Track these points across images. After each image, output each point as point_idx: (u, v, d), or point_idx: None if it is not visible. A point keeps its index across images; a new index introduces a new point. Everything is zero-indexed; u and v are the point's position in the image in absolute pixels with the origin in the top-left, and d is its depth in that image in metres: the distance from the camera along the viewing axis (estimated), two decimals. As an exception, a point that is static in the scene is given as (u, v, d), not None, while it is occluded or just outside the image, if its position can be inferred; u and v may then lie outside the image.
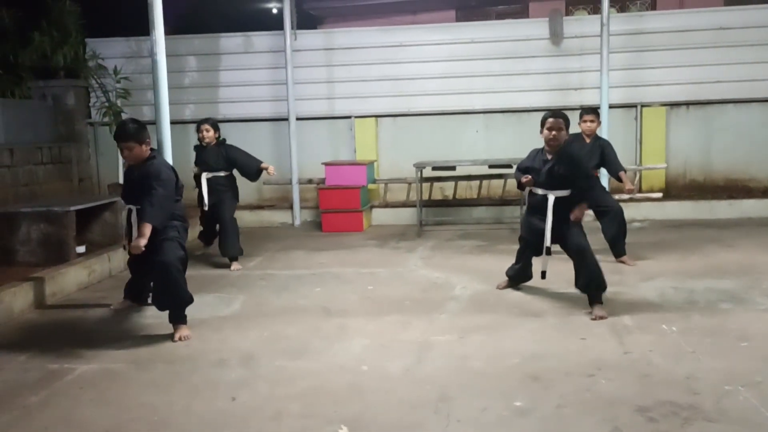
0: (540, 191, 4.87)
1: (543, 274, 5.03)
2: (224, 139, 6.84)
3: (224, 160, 6.68)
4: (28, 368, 3.98)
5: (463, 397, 3.38)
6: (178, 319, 4.48)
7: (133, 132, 4.57)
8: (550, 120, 4.77)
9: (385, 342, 4.25)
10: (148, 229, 4.37)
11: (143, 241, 4.33)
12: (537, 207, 4.92)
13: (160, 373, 3.86)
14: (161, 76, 5.18)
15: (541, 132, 4.83)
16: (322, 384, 3.59)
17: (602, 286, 4.71)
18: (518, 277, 5.41)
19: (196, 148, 6.85)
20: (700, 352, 3.88)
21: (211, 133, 6.67)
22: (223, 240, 6.63)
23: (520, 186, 5.10)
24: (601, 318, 4.52)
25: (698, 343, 4.02)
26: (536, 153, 4.97)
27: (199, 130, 6.71)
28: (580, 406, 3.23)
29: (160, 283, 4.53)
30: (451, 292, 5.41)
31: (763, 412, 3.10)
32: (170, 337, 4.42)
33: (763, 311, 4.65)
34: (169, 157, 5.35)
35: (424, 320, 4.68)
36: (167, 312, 4.51)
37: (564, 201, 4.78)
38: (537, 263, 5.18)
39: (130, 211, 4.77)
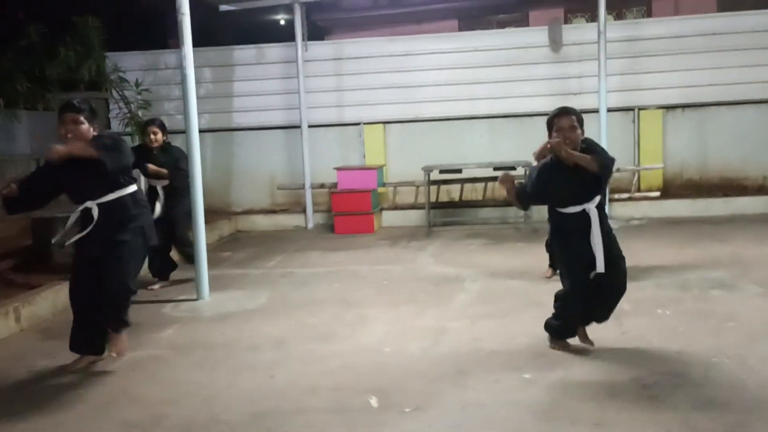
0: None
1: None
2: (169, 142, 6.33)
3: (173, 165, 6.12)
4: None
5: (477, 371, 3.77)
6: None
7: (87, 106, 3.98)
8: (555, 119, 3.93)
9: (403, 328, 4.65)
10: (86, 150, 3.70)
11: (70, 149, 3.63)
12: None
13: (201, 357, 4.25)
14: (190, 88, 5.61)
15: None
16: (350, 363, 3.99)
17: None
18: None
19: (135, 149, 5.89)
20: (691, 331, 4.27)
21: (159, 135, 6.14)
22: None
23: None
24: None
25: (689, 324, 4.40)
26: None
27: (145, 133, 6.14)
28: (583, 376, 3.63)
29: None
30: (461, 285, 5.80)
31: (744, 379, 3.50)
32: (205, 326, 4.78)
33: (751, 296, 5.03)
34: (197, 165, 5.77)
35: (438, 309, 5.07)
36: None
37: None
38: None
39: (85, 211, 3.91)
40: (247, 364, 4.07)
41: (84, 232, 3.93)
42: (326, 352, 4.21)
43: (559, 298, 4.10)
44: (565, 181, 3.85)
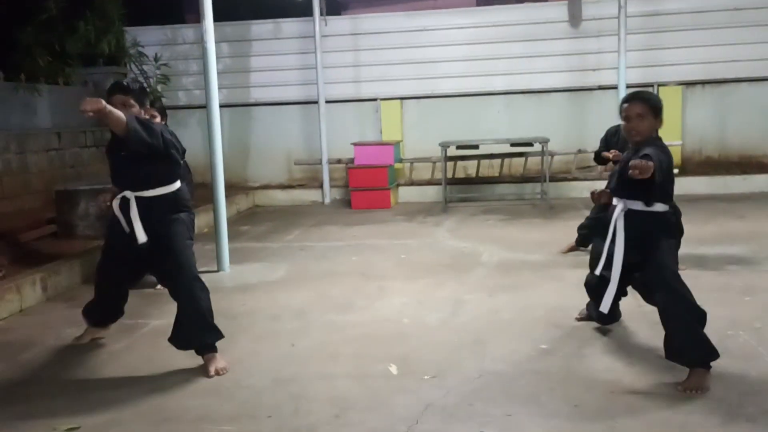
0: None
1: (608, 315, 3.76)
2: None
3: None
4: (106, 323, 4.48)
5: (495, 341, 3.84)
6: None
7: (137, 86, 3.81)
8: (624, 105, 3.48)
9: (421, 299, 4.72)
10: (121, 116, 3.39)
11: (104, 105, 3.31)
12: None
13: (224, 326, 4.29)
14: (211, 62, 5.65)
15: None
16: (370, 332, 4.07)
17: (706, 351, 3.24)
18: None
19: None
20: (707, 304, 4.24)
21: (158, 119, 5.46)
22: None
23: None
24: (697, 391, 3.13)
25: (706, 298, 4.37)
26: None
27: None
28: (599, 347, 3.69)
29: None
30: (478, 259, 5.86)
31: (759, 350, 3.55)
32: (227, 296, 4.88)
33: (768, 272, 5.06)
34: (218, 139, 5.82)
35: (456, 282, 5.14)
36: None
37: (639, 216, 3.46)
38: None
39: (124, 200, 3.72)
40: (269, 333, 4.16)
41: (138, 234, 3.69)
42: (346, 322, 4.29)
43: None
44: (619, 169, 3.52)
